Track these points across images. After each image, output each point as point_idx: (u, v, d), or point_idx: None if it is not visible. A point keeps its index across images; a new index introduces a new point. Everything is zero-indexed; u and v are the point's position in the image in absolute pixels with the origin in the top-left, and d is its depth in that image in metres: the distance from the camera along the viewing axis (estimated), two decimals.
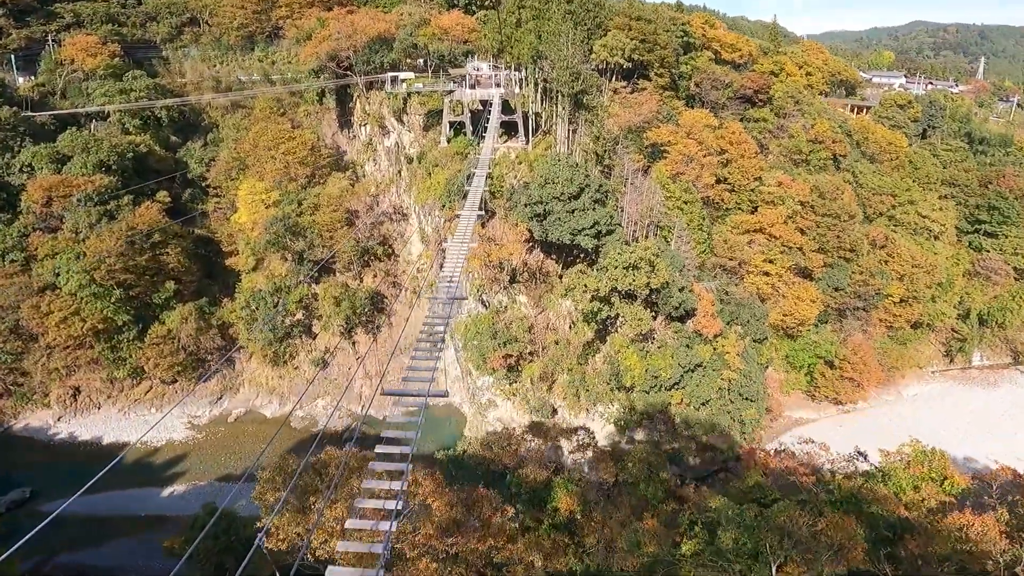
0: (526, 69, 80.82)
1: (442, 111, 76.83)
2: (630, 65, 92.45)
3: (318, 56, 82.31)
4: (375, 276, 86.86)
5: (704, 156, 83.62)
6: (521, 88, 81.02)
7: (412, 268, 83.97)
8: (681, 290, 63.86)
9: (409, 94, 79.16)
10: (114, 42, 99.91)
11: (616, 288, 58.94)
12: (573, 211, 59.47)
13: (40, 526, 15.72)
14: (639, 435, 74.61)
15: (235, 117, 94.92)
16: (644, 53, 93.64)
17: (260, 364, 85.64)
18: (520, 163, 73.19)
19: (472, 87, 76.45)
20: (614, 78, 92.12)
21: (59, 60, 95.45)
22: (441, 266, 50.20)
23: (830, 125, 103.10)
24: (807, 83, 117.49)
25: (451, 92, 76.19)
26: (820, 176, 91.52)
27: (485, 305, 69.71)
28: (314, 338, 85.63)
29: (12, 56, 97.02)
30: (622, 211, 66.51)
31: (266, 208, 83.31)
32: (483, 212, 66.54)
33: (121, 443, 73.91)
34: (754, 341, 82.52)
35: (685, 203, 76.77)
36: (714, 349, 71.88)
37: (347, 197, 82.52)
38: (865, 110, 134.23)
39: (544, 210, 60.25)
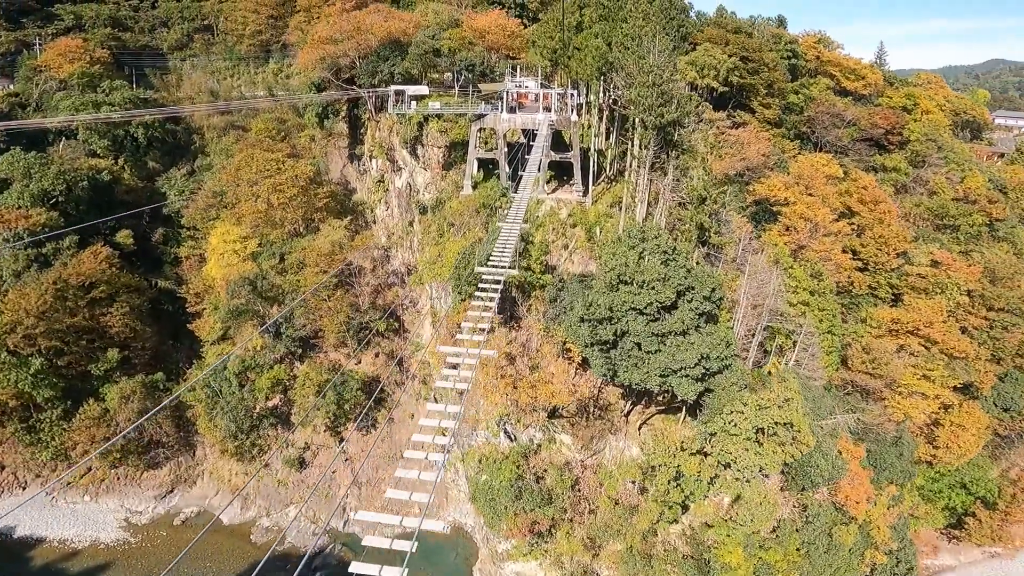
0: (588, 88, 54.05)
1: (468, 143, 50.40)
2: (725, 90, 64.80)
3: (306, 64, 57.14)
4: (376, 356, 61.40)
5: (832, 221, 54.91)
6: (580, 115, 54.43)
7: (423, 351, 57.97)
8: (826, 457, 35.35)
9: (426, 118, 52.93)
10: (107, 48, 78.81)
11: (729, 465, 31.17)
12: (665, 335, 31.12)
13: None
14: None
15: (228, 140, 71.32)
16: (746, 75, 65.73)
17: (222, 456, 61.41)
18: (574, 225, 46.21)
19: (511, 111, 49.41)
20: None
21: (36, 66, 74.40)
22: (452, 367, 25.56)
23: (982, 179, 72.26)
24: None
25: (481, 117, 49.56)
26: (989, 252, 61.12)
27: (510, 438, 42.81)
28: (291, 430, 60.54)
29: None
30: (733, 323, 38.02)
31: (242, 261, 59.34)
32: (506, 309, 39.98)
33: (35, 538, 53.73)
34: (889, 483, 53.10)
35: (812, 294, 47.90)
36: (858, 525, 43.17)
37: (341, 252, 57.37)
38: (997, 157, 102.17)
39: (613, 332, 31.93)
